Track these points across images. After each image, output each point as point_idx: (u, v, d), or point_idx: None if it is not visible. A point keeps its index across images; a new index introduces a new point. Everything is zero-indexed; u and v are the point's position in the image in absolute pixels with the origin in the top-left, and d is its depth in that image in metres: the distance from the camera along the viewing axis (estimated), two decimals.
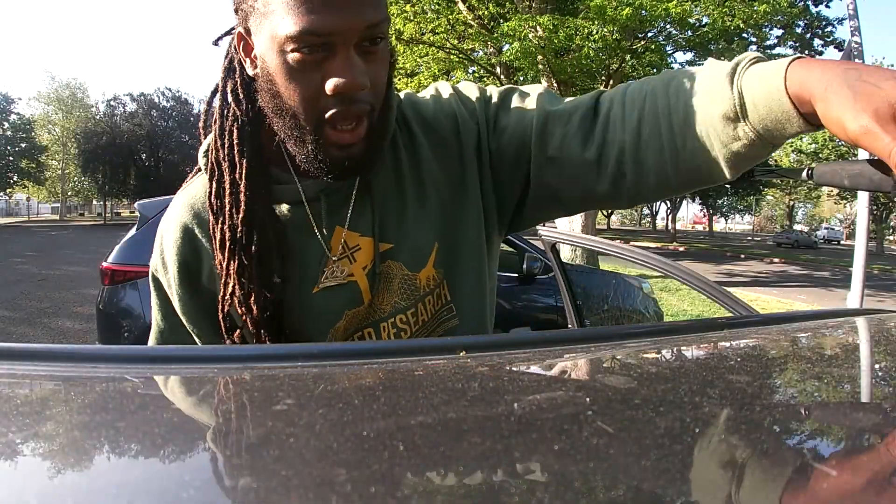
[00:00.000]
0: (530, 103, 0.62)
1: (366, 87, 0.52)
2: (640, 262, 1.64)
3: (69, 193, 41.22)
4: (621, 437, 0.36)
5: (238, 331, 0.62)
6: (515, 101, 0.63)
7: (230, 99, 0.58)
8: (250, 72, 0.57)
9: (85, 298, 6.80)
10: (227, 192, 0.57)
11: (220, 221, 0.58)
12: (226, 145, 0.58)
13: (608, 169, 0.57)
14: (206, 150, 0.61)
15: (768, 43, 9.80)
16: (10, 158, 32.95)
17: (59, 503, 0.26)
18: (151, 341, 0.69)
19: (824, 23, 10.12)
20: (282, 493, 0.28)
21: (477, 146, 0.64)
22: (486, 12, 9.48)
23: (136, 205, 3.10)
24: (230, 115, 0.58)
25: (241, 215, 0.56)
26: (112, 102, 33.80)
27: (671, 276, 1.55)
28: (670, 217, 35.16)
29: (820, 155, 27.28)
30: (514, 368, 0.53)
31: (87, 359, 0.47)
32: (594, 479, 0.30)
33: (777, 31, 9.73)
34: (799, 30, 9.91)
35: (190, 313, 0.64)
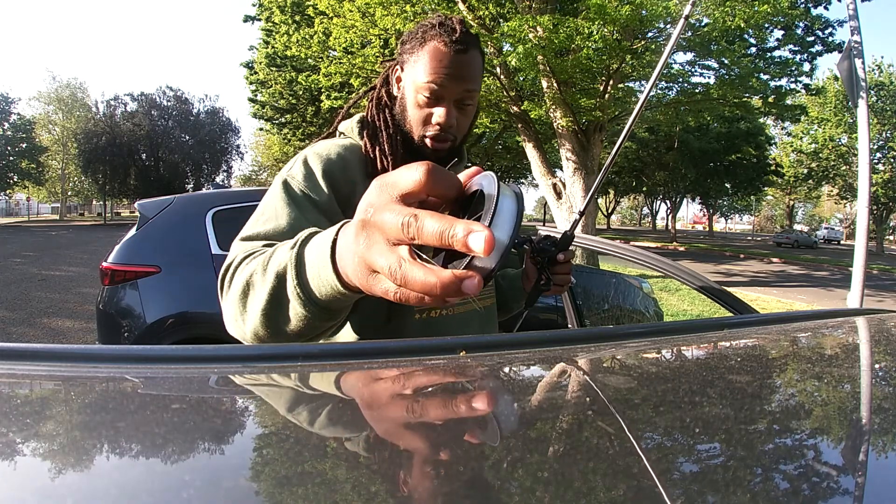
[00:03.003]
0: None
1: (453, 126, 0.87)
2: (640, 262, 1.64)
3: (69, 193, 41.21)
4: (621, 437, 0.36)
5: None
6: None
7: (383, 94, 0.94)
8: (395, 91, 0.93)
9: (85, 298, 6.80)
10: (384, 139, 0.90)
11: (374, 149, 0.90)
12: (380, 117, 0.92)
13: None
14: (360, 121, 0.96)
15: (769, 45, 9.78)
16: (11, 159, 32.94)
17: (59, 503, 0.26)
18: (251, 227, 0.80)
19: (824, 24, 10.09)
20: (282, 493, 0.28)
21: None
22: (486, 12, 9.47)
23: (136, 205, 3.09)
24: (383, 104, 0.93)
25: (386, 147, 0.89)
26: (112, 102, 33.84)
27: (671, 276, 1.55)
28: (670, 217, 35.09)
29: (820, 155, 27.22)
30: (514, 368, 0.53)
31: (87, 359, 0.47)
32: (594, 479, 0.30)
33: (778, 34, 9.69)
34: (799, 31, 9.87)
35: (307, 216, 0.84)
